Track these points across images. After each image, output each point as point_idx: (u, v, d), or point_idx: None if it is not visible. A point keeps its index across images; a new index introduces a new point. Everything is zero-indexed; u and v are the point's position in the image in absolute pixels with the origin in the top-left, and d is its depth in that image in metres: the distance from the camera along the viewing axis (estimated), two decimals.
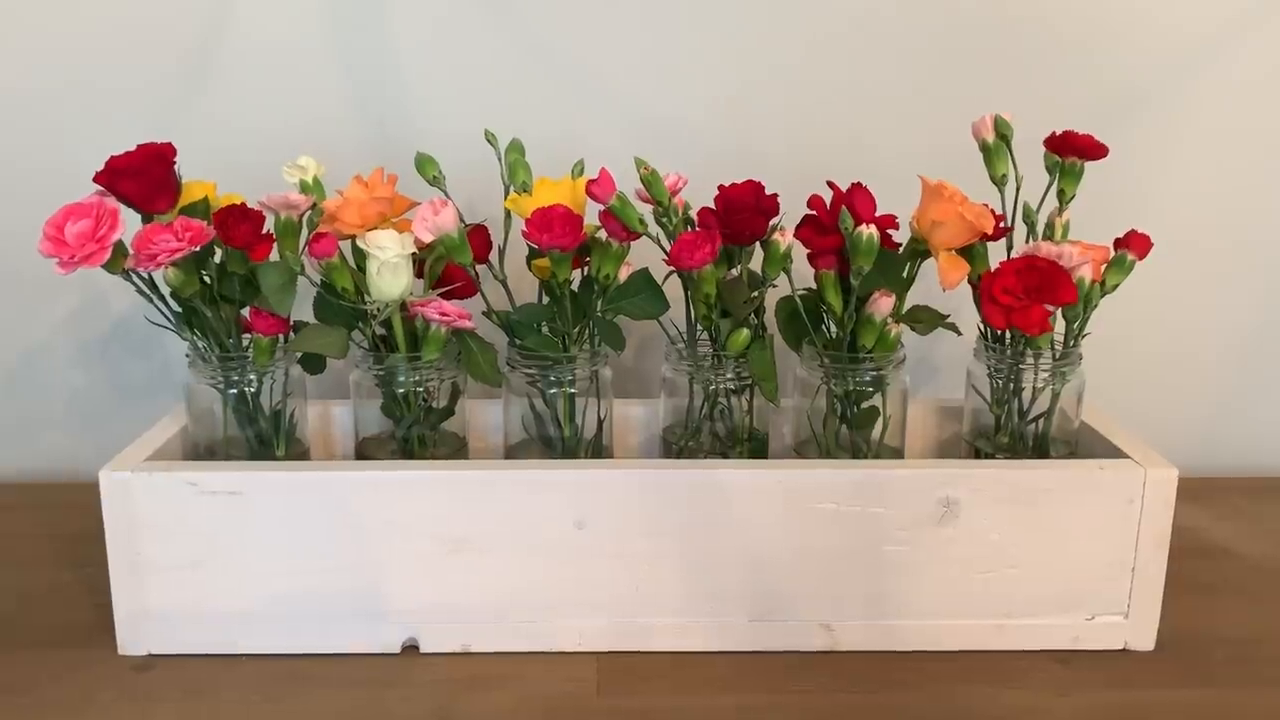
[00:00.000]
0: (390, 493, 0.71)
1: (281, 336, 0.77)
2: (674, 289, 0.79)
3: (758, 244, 0.77)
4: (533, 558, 0.72)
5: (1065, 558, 0.73)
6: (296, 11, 0.93)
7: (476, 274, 0.78)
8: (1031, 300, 0.73)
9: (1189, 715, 0.69)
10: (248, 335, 0.77)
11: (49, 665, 0.72)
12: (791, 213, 0.77)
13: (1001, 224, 0.79)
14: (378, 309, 0.75)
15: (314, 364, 0.81)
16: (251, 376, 0.77)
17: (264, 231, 0.74)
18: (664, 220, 0.77)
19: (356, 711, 0.68)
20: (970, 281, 0.79)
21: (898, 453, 0.81)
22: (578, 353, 0.78)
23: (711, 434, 0.81)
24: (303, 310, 0.78)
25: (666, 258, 0.75)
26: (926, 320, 0.80)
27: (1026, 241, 0.79)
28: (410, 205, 0.78)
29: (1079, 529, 0.72)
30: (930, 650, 0.74)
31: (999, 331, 0.79)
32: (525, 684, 0.71)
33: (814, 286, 0.79)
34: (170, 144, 0.75)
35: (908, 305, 0.80)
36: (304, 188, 0.78)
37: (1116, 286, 0.79)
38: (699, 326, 0.80)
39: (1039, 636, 0.74)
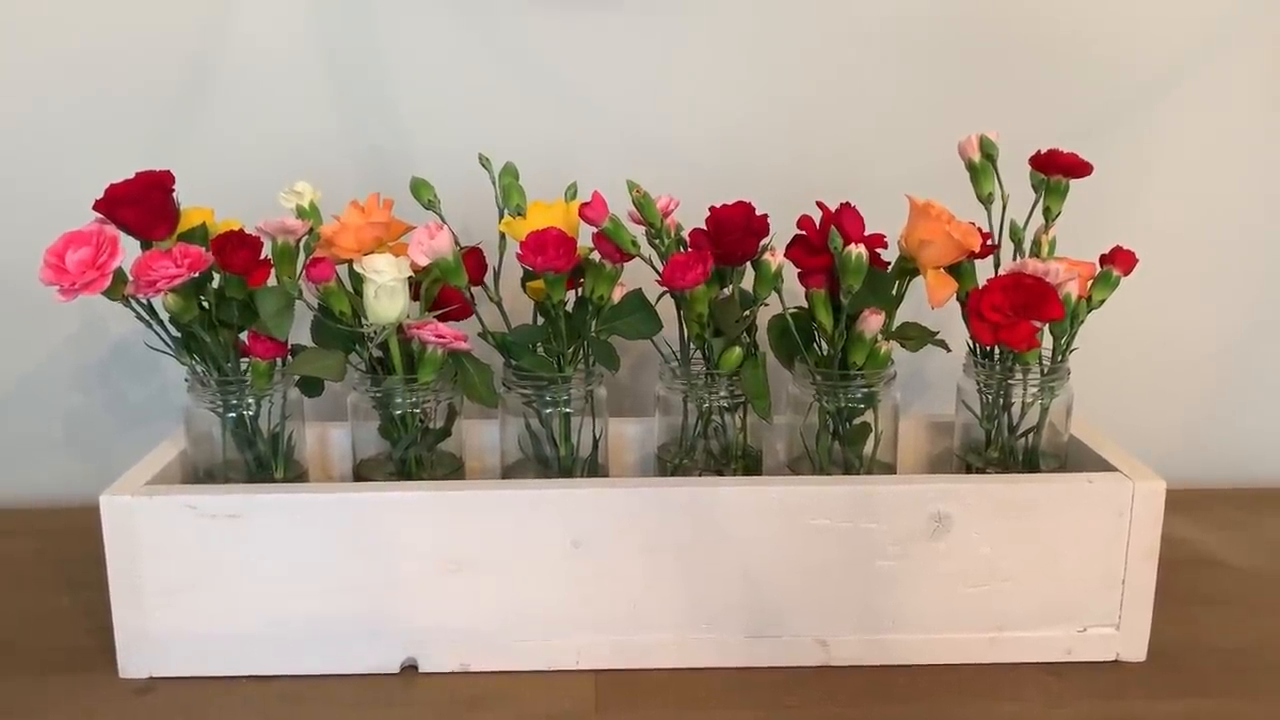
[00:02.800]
0: (388, 514, 0.72)
1: (279, 360, 0.78)
2: (667, 309, 0.80)
3: (749, 264, 0.78)
4: (530, 577, 0.73)
5: (1056, 570, 0.74)
6: (291, 37, 0.94)
7: (472, 296, 0.78)
8: (1019, 317, 0.74)
9: None
10: (246, 359, 0.78)
11: (49, 689, 0.73)
12: (782, 233, 0.78)
13: (988, 242, 0.80)
14: (374, 332, 0.76)
15: (312, 387, 0.82)
16: (250, 400, 0.78)
17: (261, 257, 0.75)
18: (656, 242, 0.78)
19: None
20: (958, 299, 0.80)
21: (890, 468, 0.81)
22: (573, 372, 0.79)
23: (706, 452, 0.82)
24: (300, 334, 0.79)
25: (659, 278, 0.76)
26: (916, 337, 0.81)
27: (1014, 259, 0.81)
28: (406, 229, 0.79)
29: (1069, 542, 0.73)
30: (924, 664, 0.75)
31: (987, 348, 0.80)
32: (524, 703, 0.71)
33: (805, 305, 0.80)
34: (168, 172, 0.75)
35: (897, 322, 0.81)
36: (301, 213, 0.78)
37: (1103, 302, 0.80)
38: (692, 345, 0.81)
39: (1031, 649, 0.75)
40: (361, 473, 0.82)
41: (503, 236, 0.79)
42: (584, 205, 0.75)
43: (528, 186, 0.79)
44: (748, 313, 0.79)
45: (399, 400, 0.78)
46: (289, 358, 0.78)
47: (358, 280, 0.76)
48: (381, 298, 0.74)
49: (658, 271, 0.77)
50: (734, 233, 0.76)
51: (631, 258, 0.77)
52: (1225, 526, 0.96)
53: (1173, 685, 0.73)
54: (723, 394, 0.80)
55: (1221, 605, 0.83)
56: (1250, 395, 1.07)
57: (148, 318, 0.76)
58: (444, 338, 0.75)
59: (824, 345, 0.80)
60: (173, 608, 0.72)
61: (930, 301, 0.77)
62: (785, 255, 0.78)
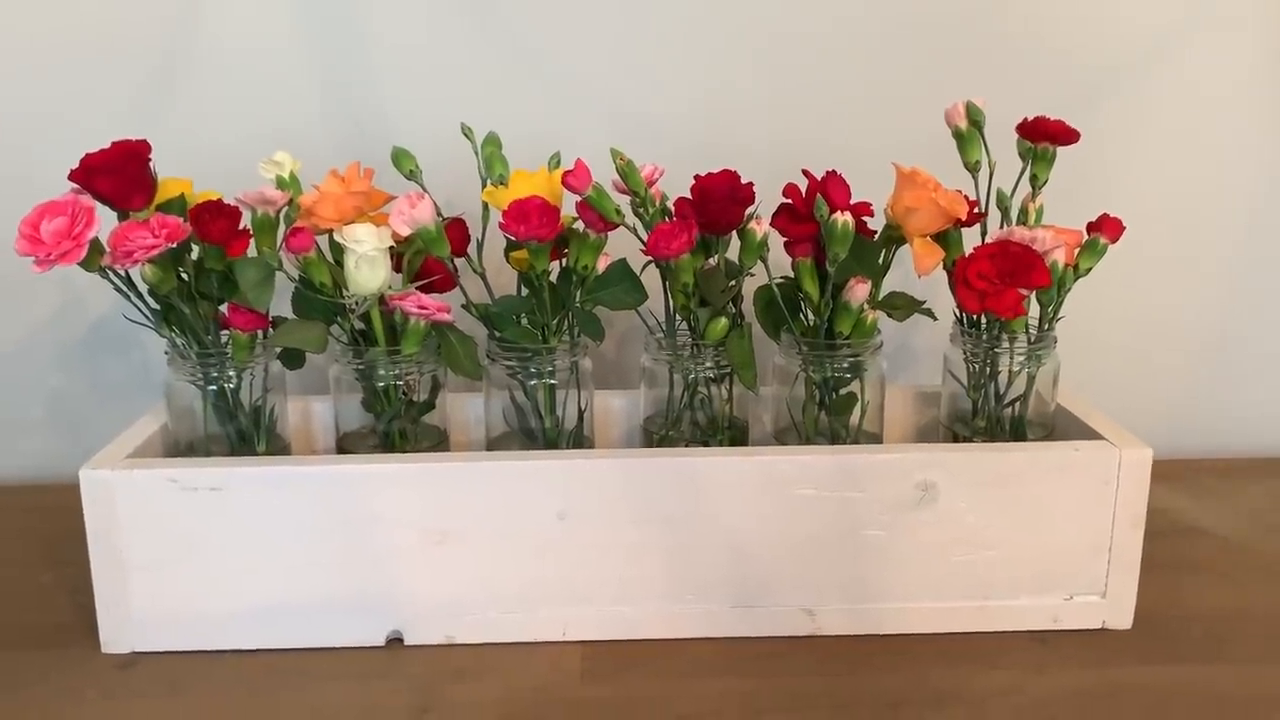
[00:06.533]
0: (372, 486, 0.71)
1: (260, 332, 0.77)
2: (652, 279, 0.79)
3: (734, 233, 0.78)
4: (516, 549, 0.72)
5: (1043, 539, 0.74)
6: (272, 7, 0.93)
7: (455, 267, 0.78)
8: (1005, 284, 0.74)
9: (1166, 692, 0.70)
10: (226, 331, 0.77)
11: (32, 665, 0.72)
12: (767, 202, 0.78)
13: (975, 210, 0.79)
14: (356, 303, 0.75)
15: (293, 359, 0.81)
16: (231, 373, 0.77)
17: (241, 227, 0.74)
18: (641, 210, 0.77)
19: (342, 705, 0.69)
20: (945, 267, 0.79)
21: (876, 438, 0.81)
22: (557, 344, 0.78)
23: (692, 423, 0.82)
24: (281, 306, 0.78)
25: (644, 248, 0.75)
26: (902, 306, 0.81)
27: (1000, 227, 0.80)
28: (387, 199, 0.78)
29: (1056, 510, 0.73)
30: (910, 633, 0.75)
31: (974, 316, 0.80)
32: (510, 674, 0.71)
33: (791, 275, 0.79)
34: (145, 141, 0.74)
35: (884, 291, 0.81)
36: (280, 183, 0.77)
37: (1089, 270, 0.79)
38: (678, 316, 0.80)
39: (1018, 617, 0.75)
40: (344, 446, 0.81)
41: (486, 207, 0.78)
42: (567, 173, 0.74)
43: (511, 158, 0.78)
44: (733, 282, 0.78)
45: (382, 373, 0.77)
46: (270, 330, 0.77)
47: (338, 251, 0.75)
48: (362, 268, 0.73)
49: (642, 241, 0.76)
50: (719, 201, 0.75)
51: (615, 226, 0.76)
52: (1206, 495, 0.97)
53: (1158, 652, 0.73)
54: (708, 365, 0.80)
55: (1204, 573, 0.84)
56: (1231, 366, 1.07)
57: (126, 290, 0.75)
58: (427, 309, 0.74)
59: (810, 315, 0.80)
60: (154, 582, 0.71)
61: (917, 270, 0.76)
62: (771, 224, 0.78)
